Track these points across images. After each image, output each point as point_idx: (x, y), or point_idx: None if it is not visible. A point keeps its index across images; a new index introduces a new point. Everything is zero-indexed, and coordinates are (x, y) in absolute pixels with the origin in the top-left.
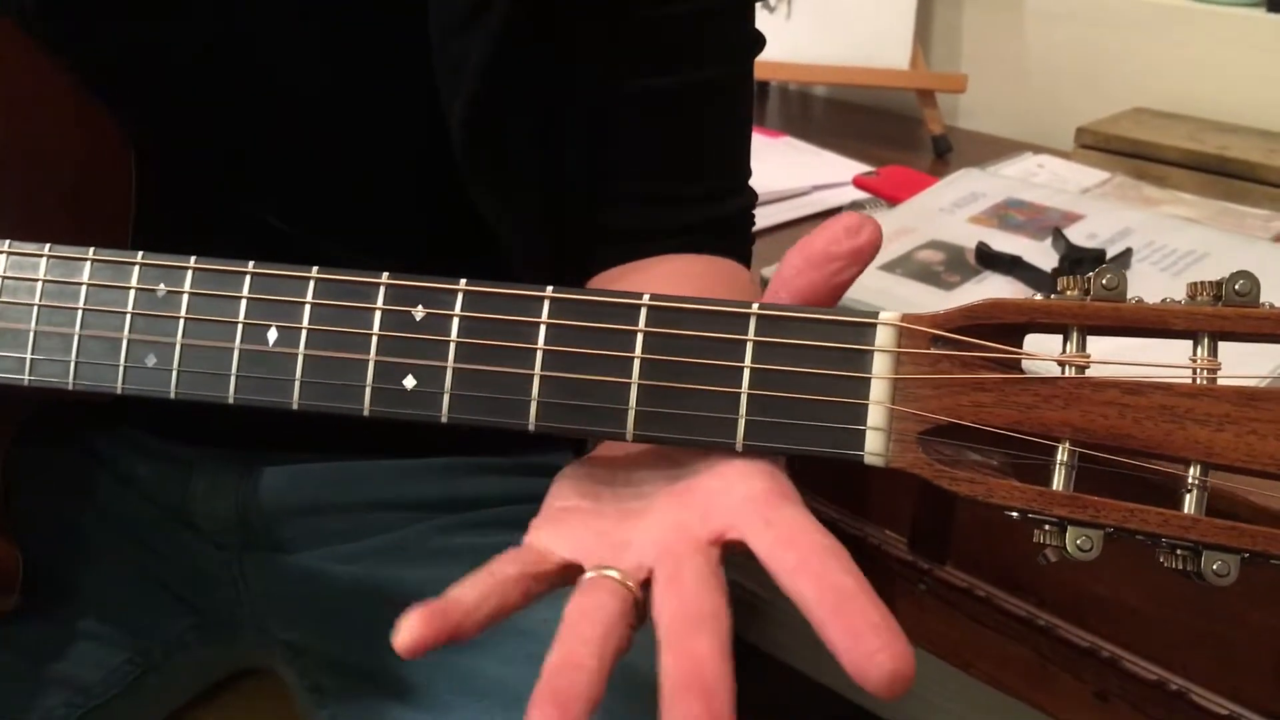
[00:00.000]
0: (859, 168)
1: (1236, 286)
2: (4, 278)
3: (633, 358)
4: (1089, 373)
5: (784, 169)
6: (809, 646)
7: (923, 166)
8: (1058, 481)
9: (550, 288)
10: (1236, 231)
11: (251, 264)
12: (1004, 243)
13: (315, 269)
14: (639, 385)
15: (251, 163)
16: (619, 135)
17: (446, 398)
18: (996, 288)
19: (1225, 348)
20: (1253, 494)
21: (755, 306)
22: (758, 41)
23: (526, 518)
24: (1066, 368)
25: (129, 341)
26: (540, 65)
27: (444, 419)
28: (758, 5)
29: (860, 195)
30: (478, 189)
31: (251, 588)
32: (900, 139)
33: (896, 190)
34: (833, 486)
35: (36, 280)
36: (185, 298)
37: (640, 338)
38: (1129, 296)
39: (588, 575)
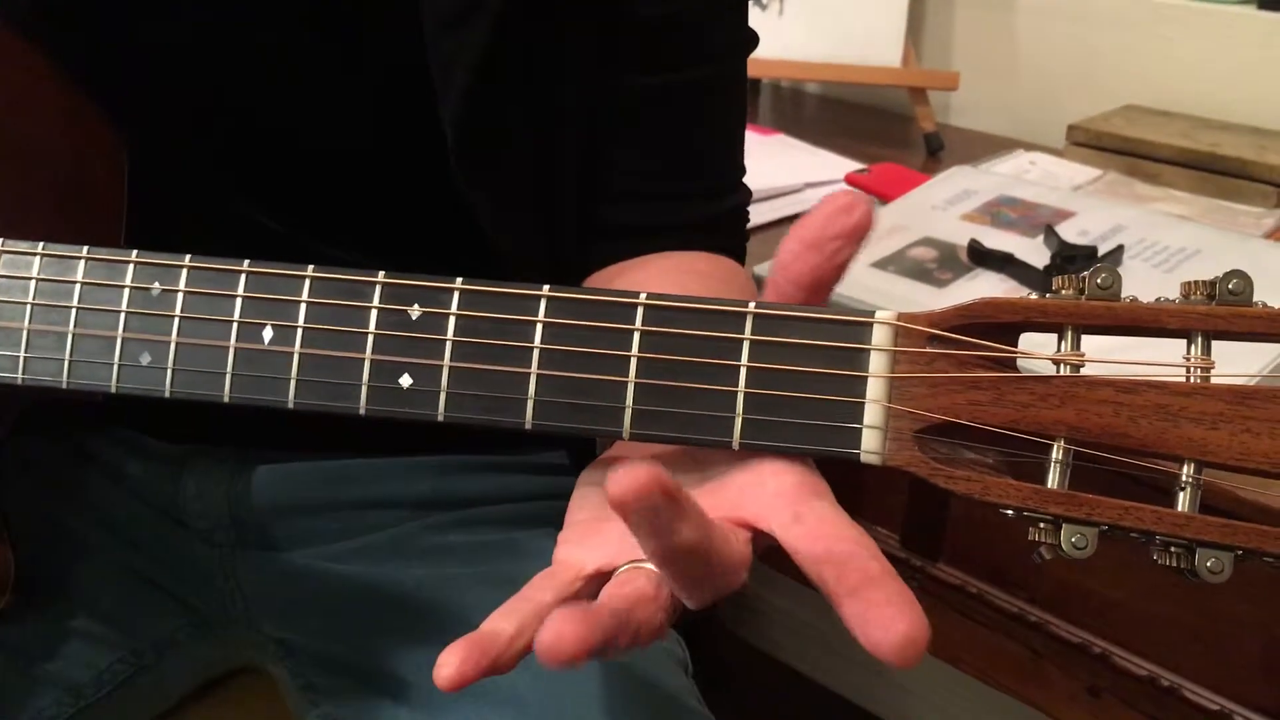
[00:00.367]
0: (851, 165)
1: (1230, 286)
2: None
3: (630, 356)
4: (1084, 371)
5: (776, 166)
6: (808, 646)
7: (915, 164)
8: (1053, 480)
9: (547, 286)
10: (1228, 228)
11: (247, 263)
12: (996, 240)
13: (311, 267)
14: (636, 384)
15: (245, 162)
16: (613, 133)
17: (443, 396)
18: (989, 285)
19: (1217, 346)
20: (1244, 491)
21: (752, 305)
22: (751, 39)
23: (520, 516)
24: (1062, 366)
25: (123, 340)
26: (533, 62)
27: (440, 418)
28: (750, 3)
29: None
30: (472, 187)
31: (243, 586)
32: (892, 136)
33: (889, 188)
34: (827, 479)
35: (30, 279)
36: (180, 296)
37: (637, 336)
38: (1123, 295)
39: (622, 568)
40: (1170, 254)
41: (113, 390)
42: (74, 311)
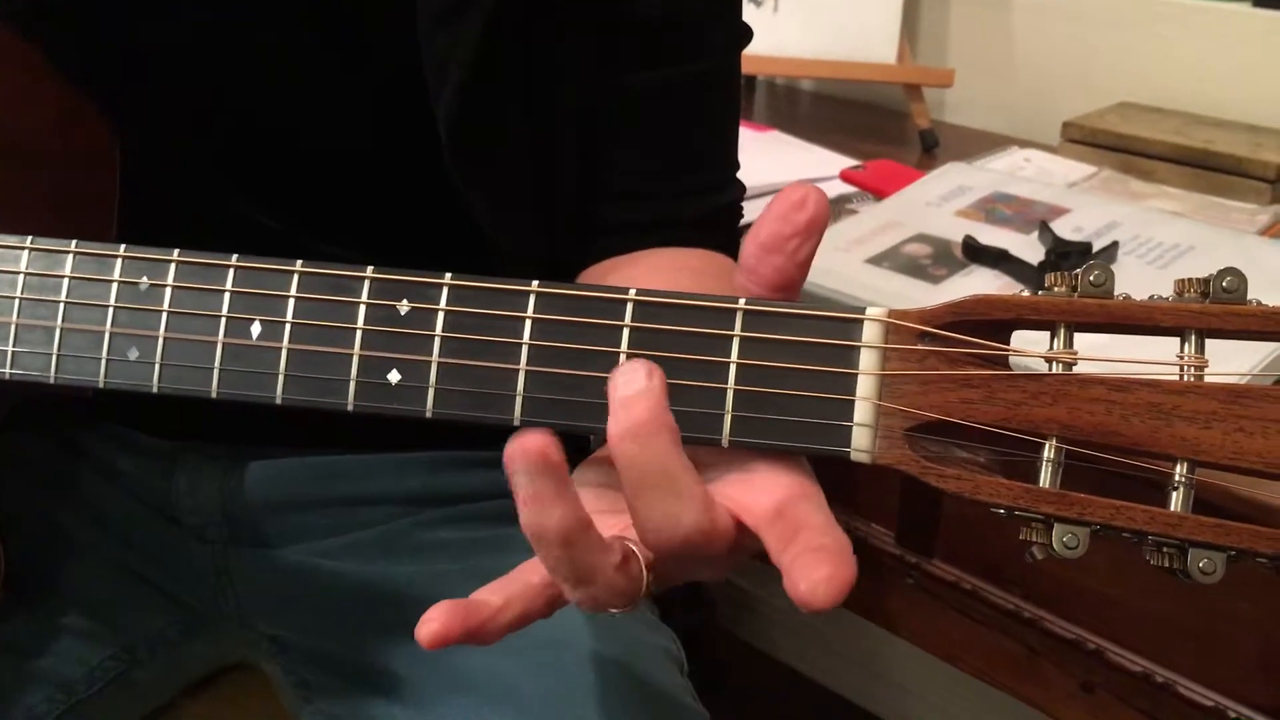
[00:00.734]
0: (846, 162)
1: (1224, 284)
2: None
3: (618, 353)
4: (1076, 369)
5: (771, 163)
6: (806, 645)
7: (910, 161)
8: (1045, 479)
9: (536, 282)
10: (1222, 225)
11: (235, 257)
12: (991, 236)
13: (299, 262)
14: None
15: (243, 162)
16: (608, 129)
17: (431, 392)
18: (983, 281)
19: (1209, 344)
20: (1239, 487)
21: (742, 301)
22: (746, 34)
23: (512, 512)
24: (1054, 364)
25: (111, 335)
26: (528, 59)
27: (428, 414)
28: None
29: (847, 189)
30: (466, 183)
31: (236, 583)
32: (887, 133)
33: (883, 184)
34: (819, 478)
35: (18, 273)
36: (168, 291)
37: (626, 333)
38: (1116, 293)
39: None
40: (1164, 250)
41: (101, 385)
42: (62, 306)
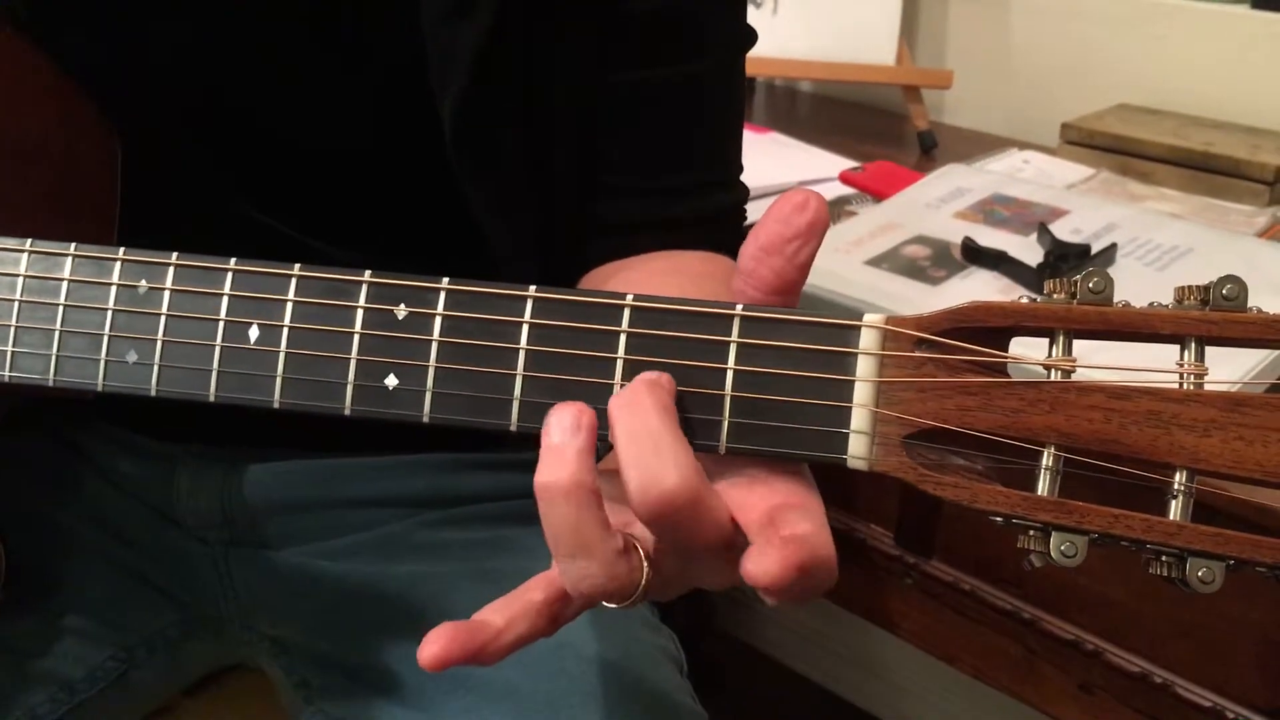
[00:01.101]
0: (845, 163)
1: (1224, 291)
2: None
3: (615, 358)
4: (1075, 377)
5: (770, 164)
6: (805, 645)
7: (909, 162)
8: (1042, 487)
9: (533, 287)
10: (1221, 227)
11: (233, 261)
12: (990, 238)
13: (298, 266)
14: (622, 386)
15: (243, 162)
16: (606, 127)
17: (429, 397)
18: (982, 282)
19: (1208, 350)
20: (1239, 490)
21: (739, 308)
22: (749, 36)
23: (513, 513)
24: (1052, 372)
25: (110, 338)
26: (531, 56)
27: (426, 419)
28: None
29: (846, 191)
30: (468, 181)
31: (236, 584)
32: (886, 135)
33: (883, 186)
34: (819, 481)
35: (17, 275)
36: (167, 294)
37: (623, 338)
38: (1115, 300)
39: None
40: (1163, 252)
41: (99, 388)
42: (61, 309)
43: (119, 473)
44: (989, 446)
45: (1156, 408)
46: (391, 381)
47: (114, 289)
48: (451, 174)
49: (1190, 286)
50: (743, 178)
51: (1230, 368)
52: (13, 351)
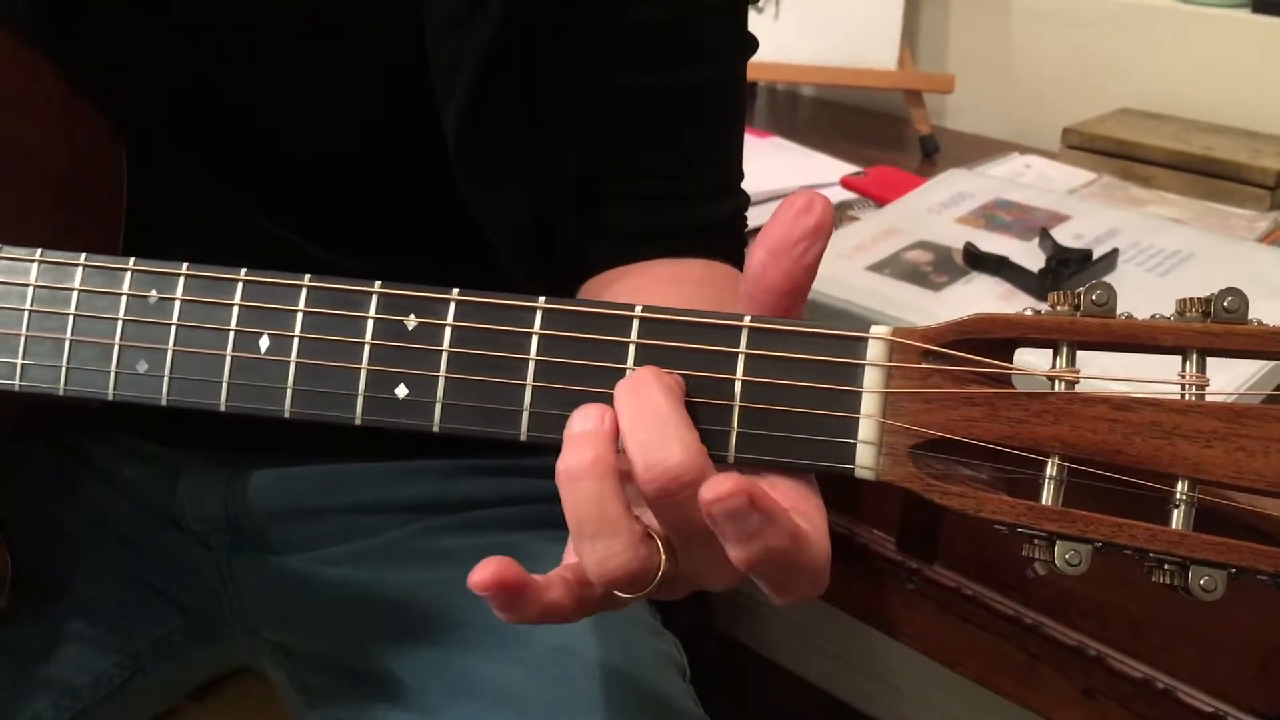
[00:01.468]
0: (846, 168)
1: (1225, 303)
2: None
3: (625, 369)
4: (1079, 388)
5: (771, 169)
6: (807, 650)
7: (910, 167)
8: (1047, 496)
9: (543, 299)
10: (1222, 232)
11: (244, 271)
12: (991, 243)
13: (308, 277)
14: None
15: (244, 165)
16: (611, 135)
17: (439, 407)
18: (984, 288)
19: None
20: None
21: (747, 319)
22: (750, 43)
23: (519, 519)
24: (1057, 383)
25: (120, 348)
26: (534, 65)
27: (436, 429)
28: None
29: (848, 195)
30: (471, 187)
31: (240, 589)
32: (887, 139)
33: (884, 191)
34: (822, 486)
35: (28, 285)
36: (177, 304)
37: (632, 349)
38: (1119, 312)
39: None
40: (1164, 257)
41: (110, 398)
42: (71, 319)
43: (123, 478)
44: (994, 456)
45: (1159, 419)
46: (402, 391)
47: (124, 299)
48: (454, 180)
49: (1192, 299)
50: (744, 183)
51: (1229, 376)
52: (23, 362)
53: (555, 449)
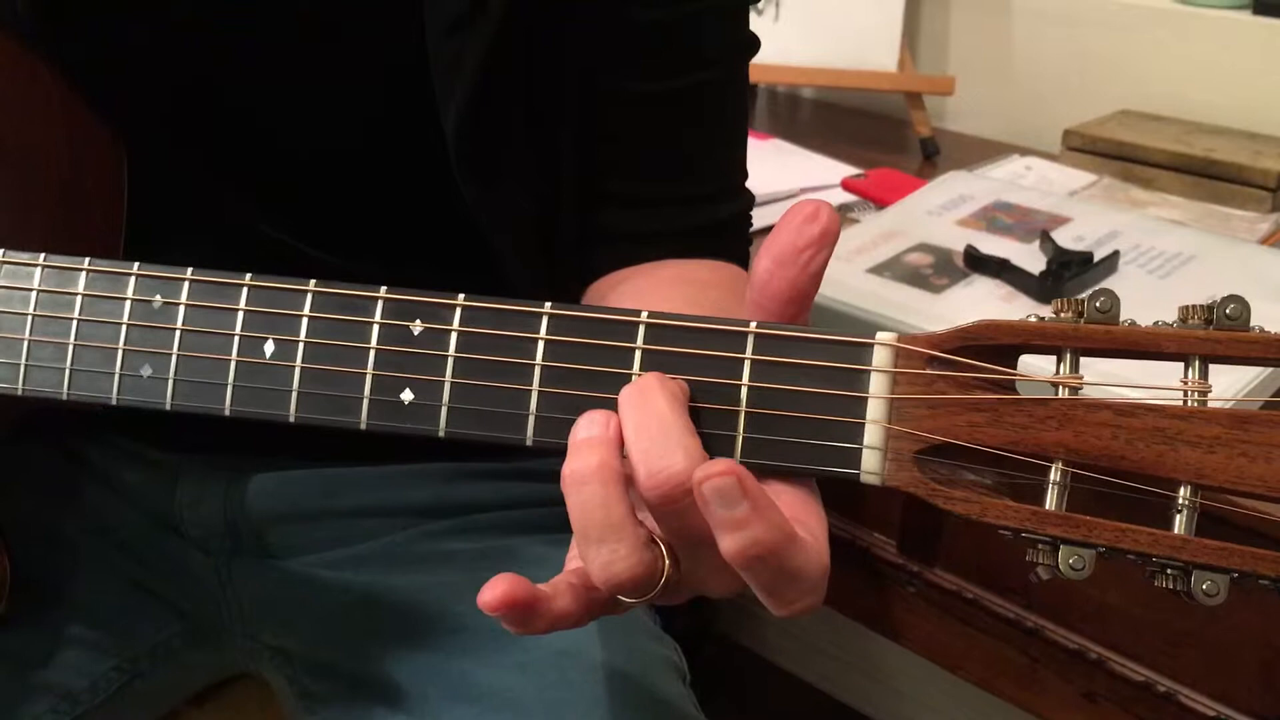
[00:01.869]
0: (847, 170)
1: (1228, 311)
2: None
3: (631, 374)
4: (1082, 394)
5: (772, 171)
6: (807, 652)
7: (910, 169)
8: (1051, 501)
9: (549, 304)
10: (1223, 233)
11: (248, 276)
12: (992, 245)
13: (313, 282)
14: None
15: (242, 164)
16: (613, 137)
17: (444, 412)
18: (985, 291)
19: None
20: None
21: (753, 325)
22: (752, 45)
23: (519, 523)
24: (1060, 389)
25: (124, 352)
26: (534, 67)
27: (441, 434)
28: None
29: (849, 197)
30: (471, 188)
31: (240, 594)
32: (888, 141)
33: (885, 193)
34: (823, 488)
35: (32, 290)
36: (181, 309)
37: (638, 355)
38: (1122, 318)
39: None
40: (1165, 259)
41: (113, 402)
42: (75, 323)
43: (123, 482)
44: (998, 461)
45: (1162, 424)
46: (407, 396)
47: (128, 303)
48: (454, 181)
49: (1194, 306)
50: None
51: (1229, 380)
52: (26, 365)
53: (561, 453)
